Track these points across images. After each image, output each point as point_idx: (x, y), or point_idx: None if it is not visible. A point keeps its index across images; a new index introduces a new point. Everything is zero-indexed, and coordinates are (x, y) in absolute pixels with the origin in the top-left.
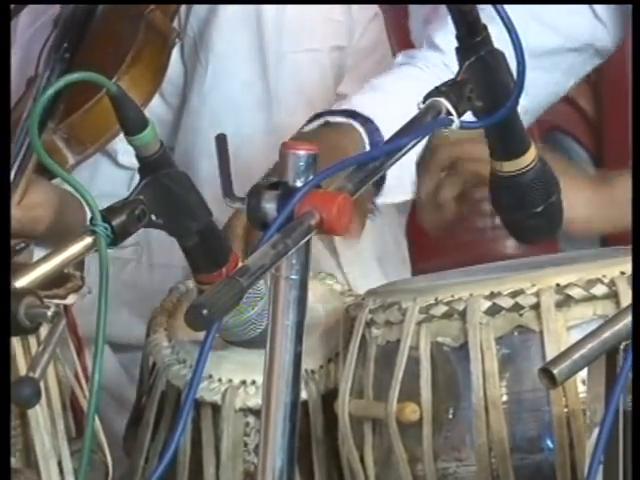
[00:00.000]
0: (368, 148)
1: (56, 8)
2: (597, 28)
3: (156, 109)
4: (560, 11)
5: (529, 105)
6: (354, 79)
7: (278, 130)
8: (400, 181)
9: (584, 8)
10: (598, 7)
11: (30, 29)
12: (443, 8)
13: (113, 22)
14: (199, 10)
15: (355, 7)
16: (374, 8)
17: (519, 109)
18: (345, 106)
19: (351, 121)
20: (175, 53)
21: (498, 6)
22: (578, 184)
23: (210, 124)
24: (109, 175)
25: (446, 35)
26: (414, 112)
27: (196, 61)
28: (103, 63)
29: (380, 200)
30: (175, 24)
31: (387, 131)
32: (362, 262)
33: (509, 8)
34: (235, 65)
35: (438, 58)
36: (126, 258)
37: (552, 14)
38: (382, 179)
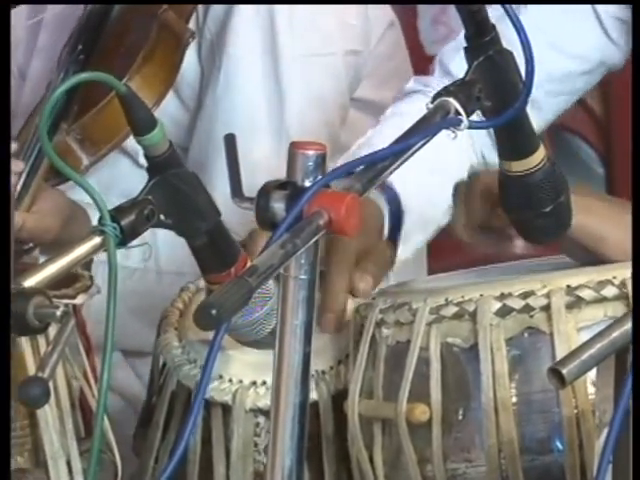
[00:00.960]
0: (386, 214)
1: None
2: (608, 46)
3: (173, 111)
4: (572, 35)
5: (543, 125)
6: (372, 84)
7: (290, 133)
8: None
9: (594, 28)
10: (607, 24)
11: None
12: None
13: (127, 23)
14: (216, 12)
15: (372, 13)
16: (390, 16)
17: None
18: (367, 150)
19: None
20: (193, 55)
21: (507, 6)
22: (612, 218)
23: (223, 126)
24: (130, 175)
25: (462, 62)
26: (434, 151)
27: (212, 63)
28: (116, 63)
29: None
30: (193, 26)
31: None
32: None
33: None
34: (248, 67)
35: None
36: (133, 267)
37: (566, 39)
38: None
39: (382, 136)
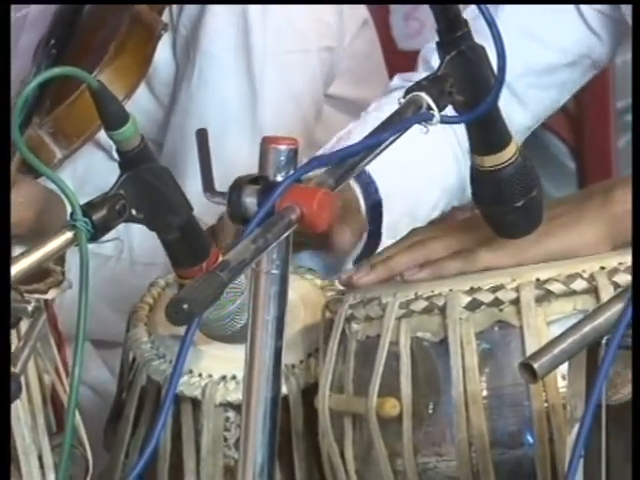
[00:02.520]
0: (362, 200)
1: None
2: (590, 39)
3: (147, 106)
4: (553, 27)
5: (531, 123)
6: (346, 82)
7: (264, 129)
8: (395, 228)
9: (575, 20)
10: (589, 17)
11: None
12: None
13: (99, 16)
14: (191, 8)
15: (346, 11)
16: (364, 14)
17: (524, 130)
18: (346, 142)
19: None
20: (168, 51)
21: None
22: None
23: (197, 122)
24: (105, 169)
25: None
26: (417, 144)
27: (186, 59)
28: (88, 56)
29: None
30: (168, 21)
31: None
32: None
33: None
34: (222, 64)
35: None
36: (107, 255)
37: (546, 31)
38: (379, 233)
39: (362, 130)
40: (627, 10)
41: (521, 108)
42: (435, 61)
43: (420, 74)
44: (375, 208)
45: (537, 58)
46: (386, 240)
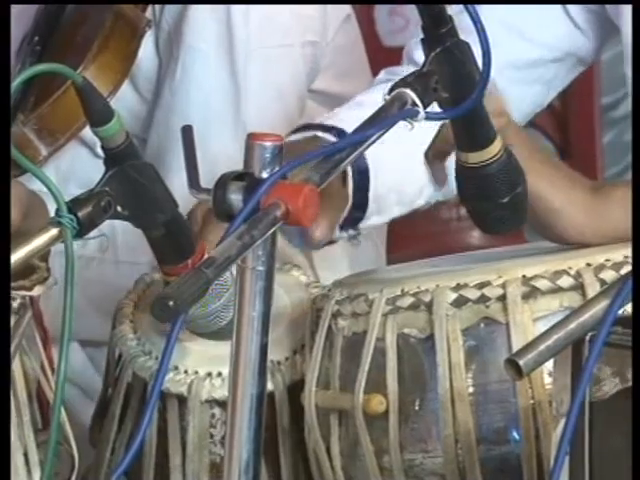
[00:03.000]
0: (350, 171)
1: None
2: (576, 35)
3: (131, 102)
4: (538, 22)
5: (517, 119)
6: (330, 76)
7: (248, 124)
8: (383, 203)
9: (561, 16)
10: (576, 15)
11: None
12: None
13: (83, 13)
14: (174, 4)
15: (329, 5)
16: (347, 8)
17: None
18: (332, 121)
19: None
20: (150, 47)
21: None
22: (576, 195)
23: (181, 118)
24: (89, 166)
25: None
26: (400, 128)
27: (170, 55)
28: (72, 53)
29: (362, 224)
30: (151, 17)
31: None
32: (334, 263)
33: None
34: (205, 59)
35: None
36: (90, 256)
37: (530, 26)
38: (365, 203)
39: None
40: (611, 10)
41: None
42: (419, 56)
43: (405, 68)
44: (361, 174)
45: (519, 53)
46: (372, 215)
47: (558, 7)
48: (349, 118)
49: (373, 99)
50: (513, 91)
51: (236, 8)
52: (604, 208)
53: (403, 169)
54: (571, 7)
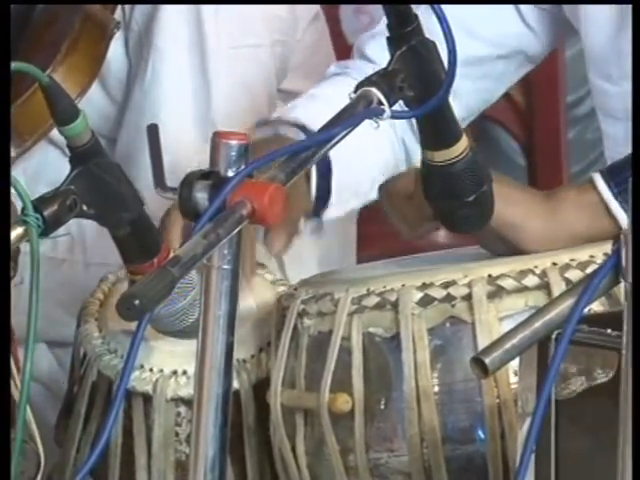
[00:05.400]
0: (314, 166)
1: None
2: (526, 34)
3: (101, 103)
4: (486, 19)
5: (464, 114)
6: (299, 76)
7: (218, 124)
8: (340, 195)
9: (511, 15)
10: (526, 12)
11: None
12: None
13: (52, 13)
14: (143, 5)
15: (298, 4)
16: (315, 8)
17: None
18: (291, 115)
19: (302, 136)
20: (120, 47)
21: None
22: (532, 207)
23: (150, 118)
24: (57, 165)
25: (376, 46)
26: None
27: (139, 56)
28: (41, 54)
29: (325, 215)
30: (120, 18)
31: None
32: (303, 263)
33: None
34: (175, 60)
35: (370, 68)
36: (60, 258)
37: (478, 23)
38: (327, 194)
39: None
40: (568, 9)
41: (451, 97)
42: (370, 50)
43: (356, 62)
44: (324, 163)
45: (467, 50)
46: (331, 206)
47: (510, 6)
48: (308, 113)
49: (325, 92)
50: (461, 86)
51: (206, 8)
52: (560, 213)
53: (357, 161)
54: (523, 6)
